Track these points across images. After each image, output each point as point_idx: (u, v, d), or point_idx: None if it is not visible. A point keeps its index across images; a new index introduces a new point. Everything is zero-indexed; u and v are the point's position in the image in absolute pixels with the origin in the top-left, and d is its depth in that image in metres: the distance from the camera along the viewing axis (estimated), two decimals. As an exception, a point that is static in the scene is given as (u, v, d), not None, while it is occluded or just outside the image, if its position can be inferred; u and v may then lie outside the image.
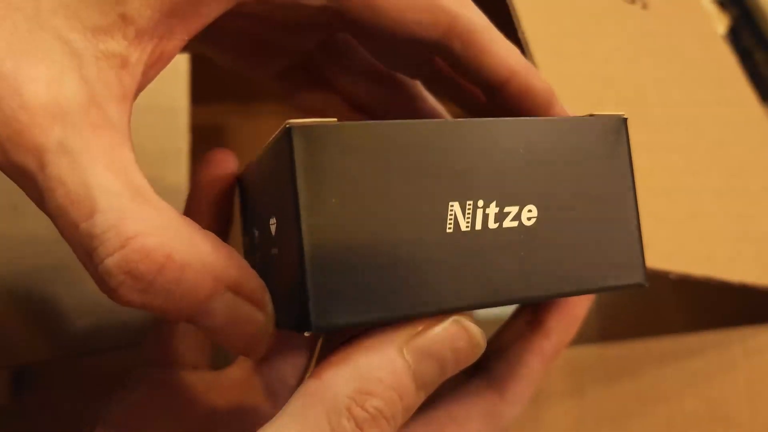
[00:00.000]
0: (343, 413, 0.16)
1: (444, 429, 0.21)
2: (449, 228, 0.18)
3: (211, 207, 0.24)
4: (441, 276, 0.18)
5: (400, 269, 0.17)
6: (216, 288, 0.17)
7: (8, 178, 0.16)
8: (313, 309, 0.16)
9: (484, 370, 0.23)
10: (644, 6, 0.41)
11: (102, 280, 0.16)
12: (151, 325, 0.25)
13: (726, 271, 0.32)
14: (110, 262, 0.15)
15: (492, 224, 0.18)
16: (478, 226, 0.18)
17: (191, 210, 0.24)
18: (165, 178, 0.33)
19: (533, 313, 0.24)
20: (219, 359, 0.26)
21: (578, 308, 0.24)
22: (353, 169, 0.17)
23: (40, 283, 0.29)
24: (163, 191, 0.33)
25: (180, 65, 0.35)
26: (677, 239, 0.31)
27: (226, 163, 0.24)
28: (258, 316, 0.18)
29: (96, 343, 0.29)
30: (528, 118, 0.20)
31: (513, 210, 0.19)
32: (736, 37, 0.53)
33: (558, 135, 0.20)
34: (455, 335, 0.17)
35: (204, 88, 0.37)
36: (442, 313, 0.18)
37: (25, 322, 0.29)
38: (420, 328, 0.17)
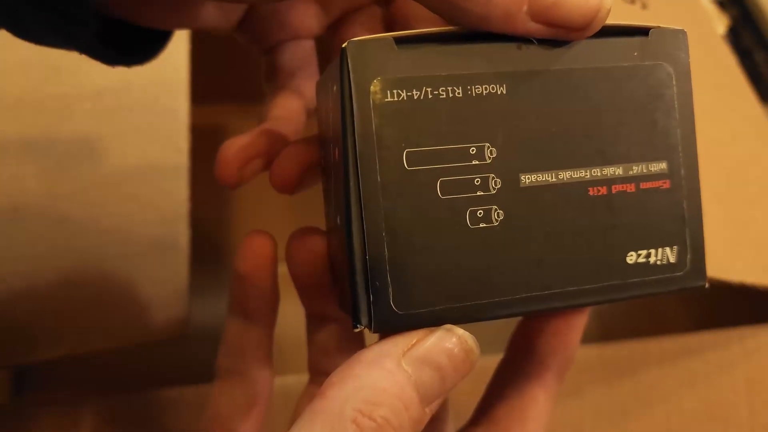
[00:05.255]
0: (349, 425, 0.15)
1: None
2: None
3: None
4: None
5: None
6: None
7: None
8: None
9: (485, 415, 0.22)
10: (644, 6, 0.41)
11: None
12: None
13: (725, 271, 0.32)
14: None
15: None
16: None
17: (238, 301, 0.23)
18: (165, 179, 0.33)
19: (525, 347, 0.23)
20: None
21: (573, 332, 0.23)
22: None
23: (41, 283, 0.29)
24: (163, 192, 0.33)
25: (180, 65, 0.35)
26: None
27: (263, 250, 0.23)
28: None
29: (97, 342, 0.30)
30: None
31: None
32: (735, 37, 0.53)
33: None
34: (448, 342, 0.17)
35: (204, 89, 0.37)
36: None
37: (26, 322, 0.29)
38: (414, 340, 0.17)
